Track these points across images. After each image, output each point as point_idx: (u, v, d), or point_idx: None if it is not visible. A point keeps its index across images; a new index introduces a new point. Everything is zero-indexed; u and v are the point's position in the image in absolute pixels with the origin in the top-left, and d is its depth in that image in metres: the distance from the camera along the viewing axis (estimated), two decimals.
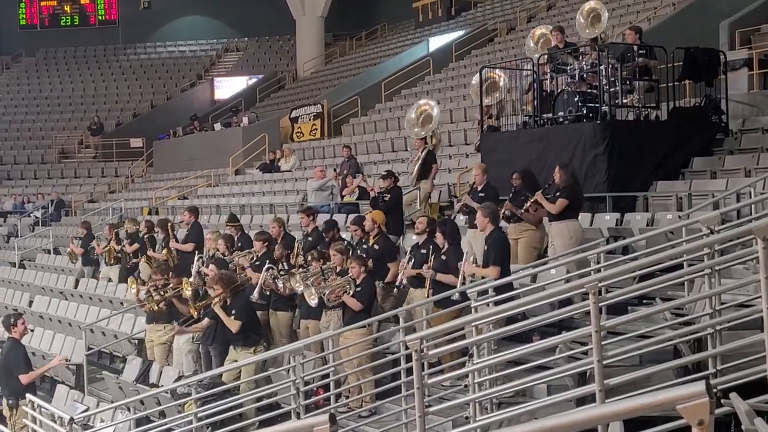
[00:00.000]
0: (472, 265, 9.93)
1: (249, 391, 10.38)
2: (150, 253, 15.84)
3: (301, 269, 11.64)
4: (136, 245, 16.83)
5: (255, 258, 12.59)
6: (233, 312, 11.29)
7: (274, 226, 13.34)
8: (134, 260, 16.67)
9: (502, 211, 11.50)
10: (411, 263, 10.82)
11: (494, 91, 15.43)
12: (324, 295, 10.66)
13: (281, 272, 11.92)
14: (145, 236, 16.55)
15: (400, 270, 10.97)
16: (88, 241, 19.45)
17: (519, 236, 11.67)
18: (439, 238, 10.72)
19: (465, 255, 9.98)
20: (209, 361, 11.90)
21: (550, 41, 15.03)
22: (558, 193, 11.19)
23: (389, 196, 14.02)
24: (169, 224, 15.96)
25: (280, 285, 11.78)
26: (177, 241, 15.57)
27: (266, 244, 12.56)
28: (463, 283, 9.81)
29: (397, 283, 11.09)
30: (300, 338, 11.18)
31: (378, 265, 11.48)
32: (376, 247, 11.83)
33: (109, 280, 17.88)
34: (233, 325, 11.21)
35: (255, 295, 11.57)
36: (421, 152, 15.54)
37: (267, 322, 12.25)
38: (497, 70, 15.92)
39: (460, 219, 13.03)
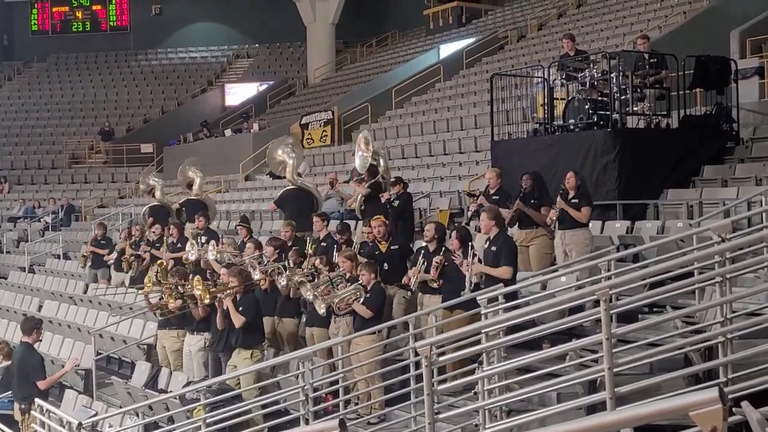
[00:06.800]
0: (481, 265, 9.89)
1: (253, 397, 10.37)
2: (162, 254, 15.82)
3: (309, 276, 11.63)
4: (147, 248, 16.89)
5: (267, 263, 12.57)
6: (240, 308, 11.29)
7: (287, 230, 13.37)
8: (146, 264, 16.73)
9: (511, 210, 11.51)
10: (423, 267, 10.78)
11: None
12: (333, 304, 10.63)
13: (291, 273, 11.90)
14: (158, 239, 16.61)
15: (412, 274, 10.90)
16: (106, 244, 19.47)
17: (530, 243, 11.63)
18: (454, 243, 10.45)
19: (470, 252, 9.95)
20: (219, 367, 11.89)
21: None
22: (577, 200, 11.16)
23: (398, 202, 13.98)
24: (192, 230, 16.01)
25: (283, 282, 11.77)
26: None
27: (277, 250, 12.54)
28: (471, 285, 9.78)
29: (411, 286, 11.07)
30: (306, 345, 11.15)
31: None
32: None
33: (121, 284, 17.88)
34: (238, 320, 11.18)
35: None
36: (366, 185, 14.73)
37: (273, 328, 12.25)
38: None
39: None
